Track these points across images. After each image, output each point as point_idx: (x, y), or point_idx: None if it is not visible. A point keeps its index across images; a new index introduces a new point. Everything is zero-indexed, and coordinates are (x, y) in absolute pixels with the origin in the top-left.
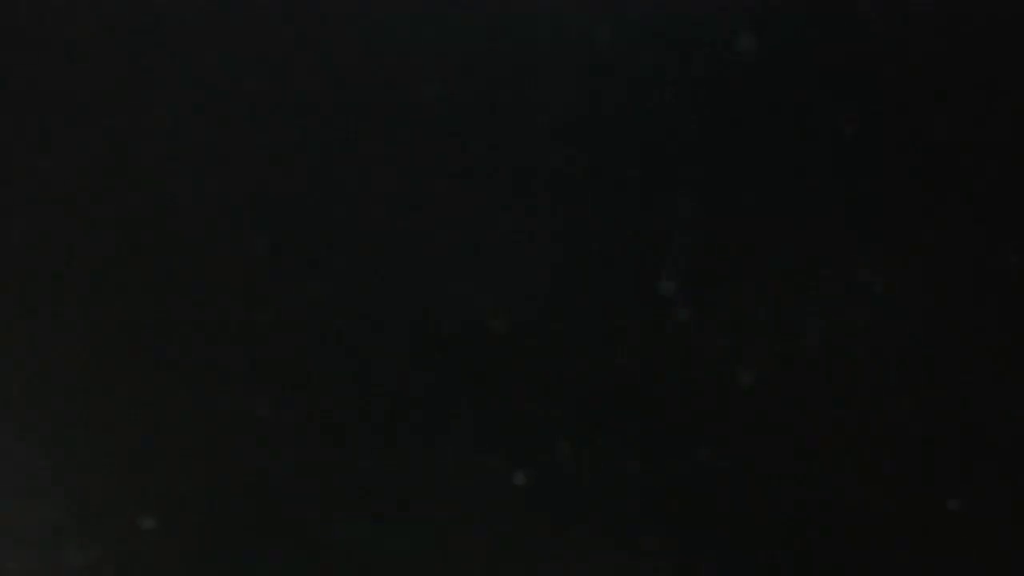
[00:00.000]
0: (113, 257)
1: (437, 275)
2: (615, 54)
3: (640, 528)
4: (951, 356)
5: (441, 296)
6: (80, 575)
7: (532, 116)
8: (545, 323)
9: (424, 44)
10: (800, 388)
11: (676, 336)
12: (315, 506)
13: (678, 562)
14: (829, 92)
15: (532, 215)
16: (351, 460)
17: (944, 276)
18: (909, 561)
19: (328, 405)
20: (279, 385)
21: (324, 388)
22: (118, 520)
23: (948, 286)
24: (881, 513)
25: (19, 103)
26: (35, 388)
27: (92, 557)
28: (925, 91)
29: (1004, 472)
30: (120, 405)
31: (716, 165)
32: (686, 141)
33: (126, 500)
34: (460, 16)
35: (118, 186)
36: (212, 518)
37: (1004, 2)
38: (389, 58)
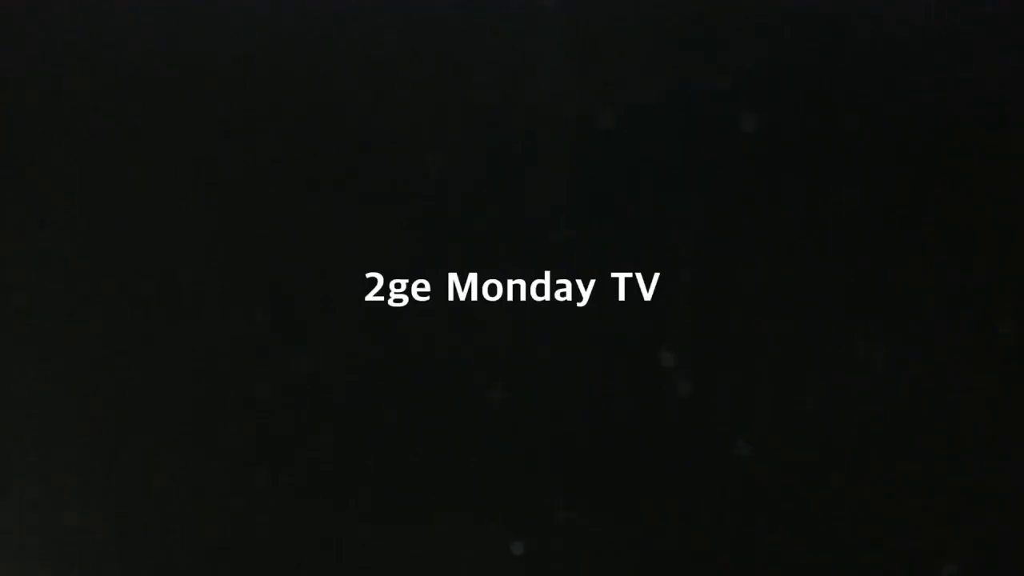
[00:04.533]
0: (107, 331)
1: (435, 344)
2: (617, 132)
3: None
4: (950, 429)
5: (440, 367)
6: None
7: (534, 191)
8: (544, 394)
9: (428, 129)
10: (798, 460)
11: (675, 408)
12: None
13: None
14: (828, 170)
15: (532, 286)
16: (348, 531)
17: (942, 350)
18: None
19: (325, 476)
20: (275, 456)
21: (321, 459)
22: None
23: (946, 360)
24: None
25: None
26: (31, 457)
27: None
28: (924, 169)
29: (1000, 542)
30: (114, 475)
31: (717, 238)
32: (687, 216)
33: (119, 569)
34: (465, 100)
35: (113, 257)
36: None
37: (1005, 80)
38: (392, 137)
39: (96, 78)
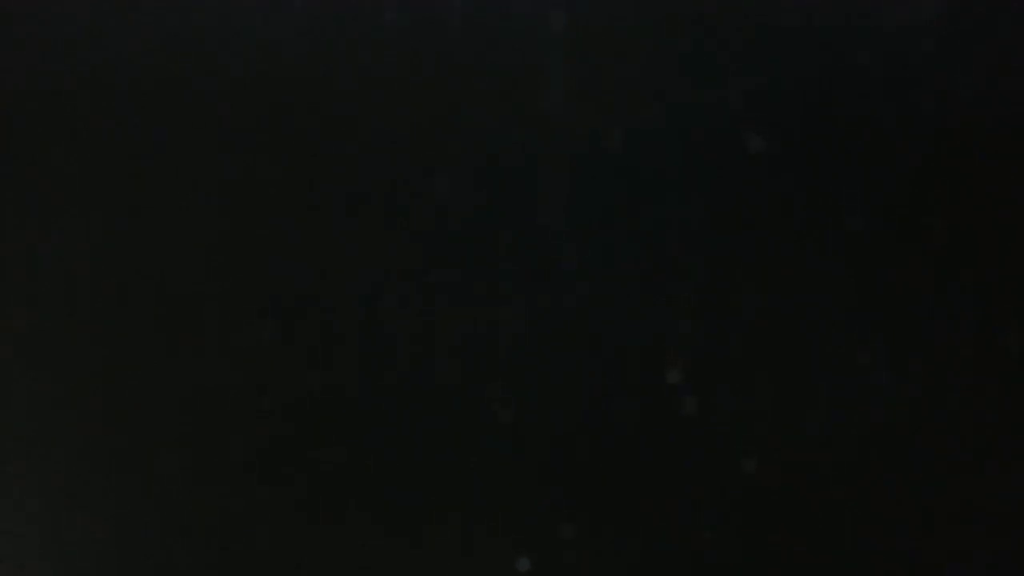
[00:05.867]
0: (105, 332)
1: (443, 362)
2: (623, 150)
3: None
4: (954, 444)
5: (447, 383)
6: None
7: (540, 210)
8: (551, 410)
9: (434, 150)
10: (804, 476)
11: (682, 424)
12: None
13: None
14: (833, 188)
15: (539, 304)
16: (352, 547)
17: (947, 366)
18: None
19: (329, 490)
20: (279, 469)
21: (325, 473)
22: None
23: (951, 376)
24: None
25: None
26: (33, 464)
27: None
28: (928, 188)
29: (1009, 556)
30: (115, 476)
31: (722, 256)
32: (692, 234)
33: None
34: (470, 119)
35: (118, 273)
36: None
37: (1010, 99)
38: (399, 158)
39: (96, 78)
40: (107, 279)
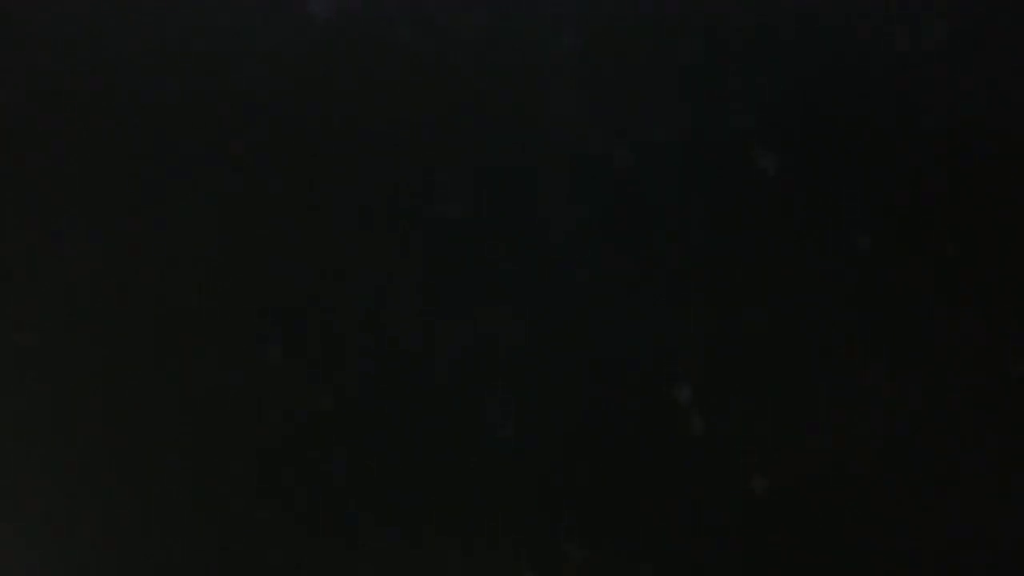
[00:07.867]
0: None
1: (449, 380)
2: (632, 168)
3: None
4: (959, 461)
5: (453, 400)
6: None
7: (550, 227)
8: (559, 428)
9: (445, 166)
10: (812, 494)
11: (689, 442)
12: None
13: None
14: (843, 207)
15: (547, 321)
16: (359, 564)
17: (952, 384)
18: None
19: (336, 507)
20: (278, 474)
21: (332, 490)
22: None
23: (955, 394)
24: None
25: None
26: (36, 470)
27: None
28: (934, 208)
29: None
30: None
31: (732, 276)
32: (703, 253)
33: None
34: (480, 135)
35: (118, 274)
36: None
37: (1016, 117)
38: (408, 176)
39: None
40: (107, 280)
